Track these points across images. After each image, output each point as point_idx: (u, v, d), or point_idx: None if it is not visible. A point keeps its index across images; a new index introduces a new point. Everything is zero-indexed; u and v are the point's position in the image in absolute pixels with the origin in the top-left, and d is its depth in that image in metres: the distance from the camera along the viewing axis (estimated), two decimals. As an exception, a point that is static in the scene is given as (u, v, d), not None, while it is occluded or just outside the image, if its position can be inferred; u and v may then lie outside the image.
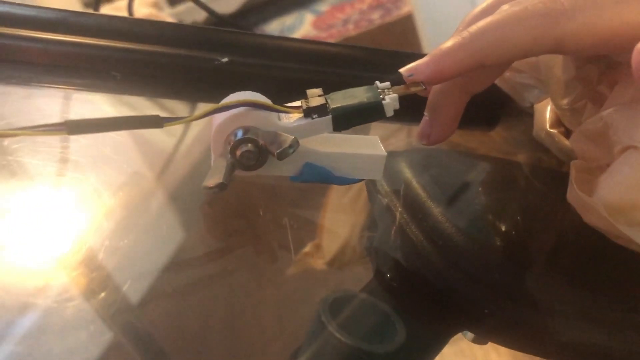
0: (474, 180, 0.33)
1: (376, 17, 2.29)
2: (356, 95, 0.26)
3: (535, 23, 0.24)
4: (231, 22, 0.61)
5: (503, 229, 0.29)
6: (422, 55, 0.27)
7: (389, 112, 0.25)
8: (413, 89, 0.26)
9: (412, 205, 0.29)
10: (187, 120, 0.23)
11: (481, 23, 0.25)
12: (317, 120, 0.25)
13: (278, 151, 0.24)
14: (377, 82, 0.26)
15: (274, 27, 2.45)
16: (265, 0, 2.53)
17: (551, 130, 0.34)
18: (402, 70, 0.26)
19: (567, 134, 0.34)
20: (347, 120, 0.25)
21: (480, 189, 0.33)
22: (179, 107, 0.45)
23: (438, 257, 0.26)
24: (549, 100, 0.36)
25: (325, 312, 0.25)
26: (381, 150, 0.28)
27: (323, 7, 2.47)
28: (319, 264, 0.56)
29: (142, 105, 0.42)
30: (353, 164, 0.27)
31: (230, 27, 0.60)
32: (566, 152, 0.33)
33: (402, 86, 0.26)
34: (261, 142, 0.24)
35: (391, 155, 0.31)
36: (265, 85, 0.35)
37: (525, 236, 0.30)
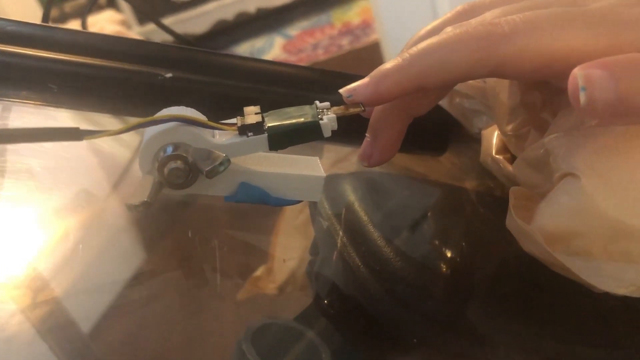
0: (418, 205, 0.33)
1: (345, 43, 2.32)
2: (294, 115, 0.25)
3: (475, 46, 0.24)
4: (195, 45, 0.60)
5: (444, 255, 0.29)
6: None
7: (327, 133, 0.25)
8: (352, 110, 0.25)
9: (352, 229, 0.28)
10: (111, 134, 0.22)
11: (422, 45, 0.25)
12: (252, 138, 0.24)
13: (207, 169, 0.23)
14: (317, 102, 0.26)
15: (244, 49, 2.46)
16: (235, 23, 2.54)
17: (497, 156, 0.33)
18: (341, 90, 0.26)
19: (512, 160, 0.34)
20: (283, 139, 0.24)
21: (424, 214, 0.32)
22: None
23: (374, 282, 0.26)
24: (494, 127, 0.36)
25: (247, 340, 0.24)
26: (320, 171, 0.27)
27: (293, 32, 2.50)
28: (270, 288, 0.55)
29: (106, 122, 0.41)
30: (291, 185, 0.26)
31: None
32: (511, 178, 0.33)
33: (341, 107, 0.26)
34: (191, 159, 0.23)
35: (336, 177, 0.30)
36: (209, 102, 0.35)
37: (467, 264, 0.29)
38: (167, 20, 2.38)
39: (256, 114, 0.25)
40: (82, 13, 0.53)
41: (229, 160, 0.23)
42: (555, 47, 0.23)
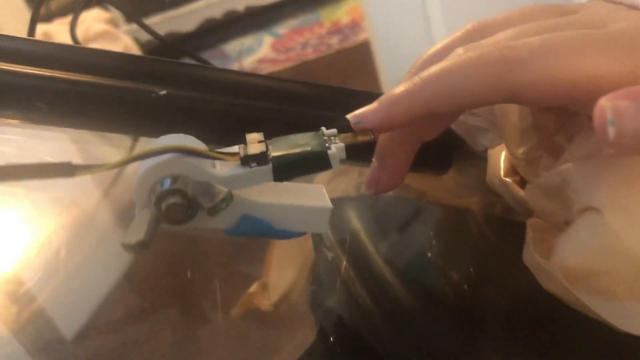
0: (424, 231, 0.32)
1: (334, 42, 2.31)
2: (300, 143, 0.24)
3: (490, 71, 0.23)
4: (179, 48, 0.58)
5: (452, 287, 0.28)
6: (375, 95, 0.25)
7: (335, 164, 0.23)
8: (361, 138, 0.24)
9: (359, 262, 0.27)
10: (105, 169, 0.20)
11: (433, 69, 0.24)
12: (255, 169, 0.23)
13: (209, 206, 0.21)
14: (323, 129, 0.24)
15: (232, 47, 2.44)
16: (223, 21, 2.52)
17: (505, 179, 0.32)
18: (349, 116, 0.24)
19: (522, 182, 0.32)
20: (289, 170, 0.23)
21: (430, 242, 0.31)
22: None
23: (384, 321, 0.24)
24: (503, 145, 0.35)
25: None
26: (326, 201, 0.26)
27: (282, 30, 2.48)
28: (265, 304, 0.53)
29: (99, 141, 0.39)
30: (295, 217, 0.25)
31: (179, 52, 0.58)
32: (520, 202, 0.32)
33: (349, 134, 0.24)
34: (190, 193, 0.22)
35: (338, 201, 0.28)
36: (206, 121, 0.33)
37: (476, 295, 0.28)
38: (155, 19, 2.35)
39: (259, 142, 0.23)
40: (73, 12, 0.51)
41: (232, 196, 0.22)
42: (575, 73, 0.22)
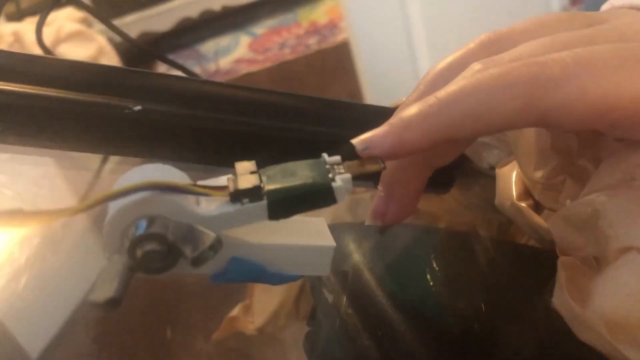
0: (428, 259, 0.29)
1: (313, 42, 2.28)
2: (298, 173, 0.20)
3: (518, 92, 0.20)
4: (151, 52, 0.55)
5: (465, 325, 0.25)
6: (380, 110, 0.22)
7: (340, 198, 0.20)
8: (369, 167, 0.21)
9: (364, 307, 0.24)
10: (66, 215, 0.17)
11: (452, 88, 0.20)
12: (247, 206, 0.19)
13: (193, 256, 0.18)
14: (325, 156, 0.21)
15: (209, 47, 2.40)
16: (200, 20, 2.47)
17: (520, 203, 0.29)
18: (354, 141, 0.21)
19: (536, 207, 0.30)
20: (287, 207, 0.20)
21: (436, 272, 0.28)
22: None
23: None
24: (513, 165, 0.32)
25: None
26: (328, 238, 0.22)
27: (259, 30, 2.44)
28: (249, 328, 0.50)
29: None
30: (293, 258, 0.22)
31: (151, 56, 0.54)
32: (536, 229, 0.29)
33: (355, 162, 0.21)
34: (170, 237, 0.18)
35: (335, 229, 0.25)
36: (186, 140, 0.29)
37: (493, 337, 0.25)
38: (131, 18, 2.29)
39: (251, 173, 0.20)
40: (42, 11, 0.47)
41: (221, 242, 0.18)
42: (617, 93, 0.19)
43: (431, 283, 0.28)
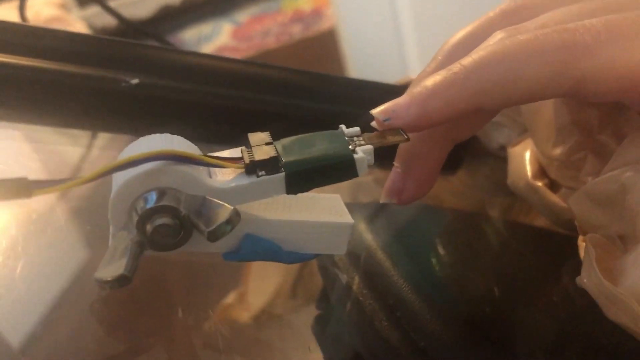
0: (443, 241, 0.27)
1: (297, 30, 2.25)
2: (316, 145, 0.19)
3: (550, 58, 0.19)
4: (144, 30, 0.53)
5: (480, 309, 0.24)
6: (395, 88, 0.20)
7: (362, 171, 0.19)
8: (392, 139, 0.19)
9: (380, 287, 0.23)
10: (71, 186, 0.15)
11: (479, 54, 0.19)
12: (263, 179, 0.18)
13: (209, 229, 0.16)
14: (343, 127, 0.20)
15: (191, 35, 2.36)
16: (181, 7, 2.43)
17: (535, 182, 0.28)
18: (375, 112, 0.20)
19: (552, 186, 0.29)
20: (306, 180, 0.18)
21: (452, 255, 0.27)
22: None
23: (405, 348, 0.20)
24: (525, 144, 0.31)
25: None
26: (346, 215, 0.21)
27: (242, 18, 2.41)
28: (244, 317, 0.48)
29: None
30: (309, 236, 0.20)
31: (143, 36, 0.52)
32: (552, 209, 0.28)
33: (375, 134, 0.20)
34: (183, 211, 0.17)
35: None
36: (186, 117, 0.28)
37: (512, 320, 0.24)
38: (111, 4, 2.24)
39: (267, 144, 0.19)
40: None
41: (238, 214, 0.17)
42: None
43: (443, 264, 0.27)
